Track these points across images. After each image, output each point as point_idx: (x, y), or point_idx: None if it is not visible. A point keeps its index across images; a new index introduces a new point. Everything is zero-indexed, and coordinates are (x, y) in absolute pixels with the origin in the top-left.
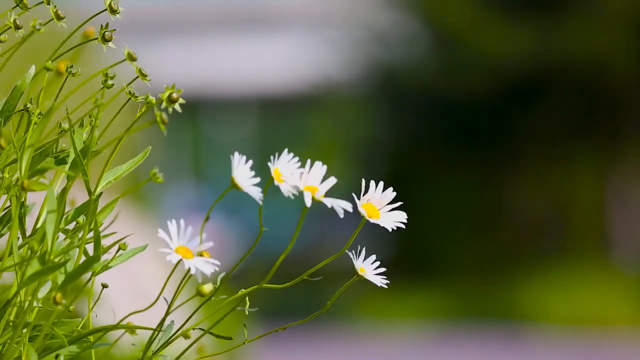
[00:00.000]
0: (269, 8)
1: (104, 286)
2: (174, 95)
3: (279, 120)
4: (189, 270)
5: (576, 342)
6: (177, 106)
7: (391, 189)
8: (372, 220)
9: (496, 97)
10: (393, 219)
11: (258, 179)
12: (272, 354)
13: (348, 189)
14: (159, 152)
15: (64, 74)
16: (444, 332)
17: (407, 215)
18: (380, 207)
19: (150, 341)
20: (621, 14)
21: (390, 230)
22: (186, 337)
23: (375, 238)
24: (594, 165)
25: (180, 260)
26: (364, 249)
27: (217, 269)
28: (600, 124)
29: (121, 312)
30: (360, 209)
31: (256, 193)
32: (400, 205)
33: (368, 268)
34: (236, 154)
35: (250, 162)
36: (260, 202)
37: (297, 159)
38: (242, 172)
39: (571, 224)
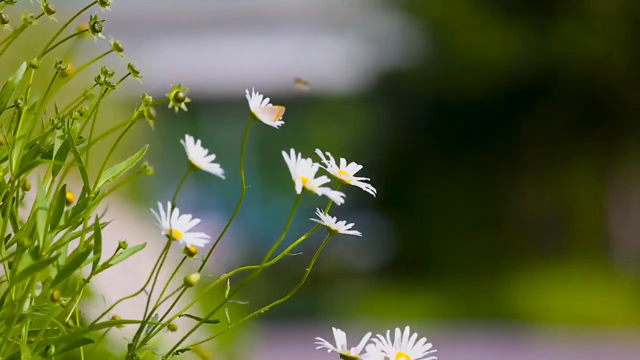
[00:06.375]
0: (269, 8)
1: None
2: (181, 94)
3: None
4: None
5: (576, 342)
6: (182, 105)
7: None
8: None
9: (495, 98)
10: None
11: (214, 156)
12: (271, 354)
13: (348, 190)
14: (158, 152)
15: (55, 71)
16: (444, 333)
17: (407, 216)
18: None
19: (139, 333)
20: (617, 15)
21: (365, 189)
22: (172, 328)
23: (376, 239)
24: (594, 166)
25: (170, 240)
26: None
27: (207, 241)
28: (600, 125)
29: (122, 314)
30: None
31: (217, 170)
32: (401, 205)
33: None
34: (186, 136)
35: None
36: (223, 177)
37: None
38: (197, 152)
39: (571, 225)
